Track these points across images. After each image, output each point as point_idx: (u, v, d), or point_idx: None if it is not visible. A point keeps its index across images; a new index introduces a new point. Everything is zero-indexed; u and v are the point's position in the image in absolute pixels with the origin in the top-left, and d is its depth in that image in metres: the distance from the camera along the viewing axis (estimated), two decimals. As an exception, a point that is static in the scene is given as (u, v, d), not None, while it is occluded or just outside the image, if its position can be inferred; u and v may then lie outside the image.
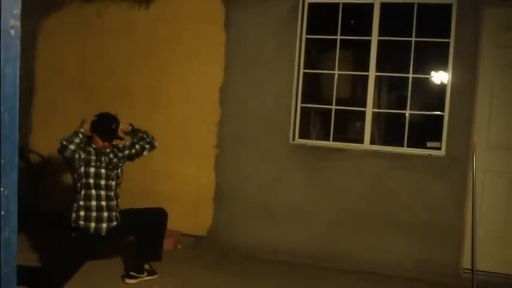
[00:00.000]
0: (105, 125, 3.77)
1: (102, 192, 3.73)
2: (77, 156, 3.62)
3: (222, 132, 5.01)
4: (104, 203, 3.73)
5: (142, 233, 3.96)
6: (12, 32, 1.06)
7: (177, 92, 5.15)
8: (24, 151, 5.40)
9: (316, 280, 4.36)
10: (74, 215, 3.69)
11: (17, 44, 1.08)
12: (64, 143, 3.58)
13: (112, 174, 3.83)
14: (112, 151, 3.90)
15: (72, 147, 3.58)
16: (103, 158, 3.78)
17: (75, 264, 3.61)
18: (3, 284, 1.11)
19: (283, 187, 4.85)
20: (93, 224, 3.67)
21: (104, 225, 3.70)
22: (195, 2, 5.08)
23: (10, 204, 1.09)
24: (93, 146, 3.78)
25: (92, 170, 3.72)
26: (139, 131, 4.03)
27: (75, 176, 3.73)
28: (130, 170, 4.82)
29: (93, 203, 3.70)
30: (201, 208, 5.06)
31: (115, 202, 3.82)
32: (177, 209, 5.06)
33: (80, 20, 5.40)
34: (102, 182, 3.75)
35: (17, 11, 1.06)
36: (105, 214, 3.72)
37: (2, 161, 1.08)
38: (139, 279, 3.96)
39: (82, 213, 3.68)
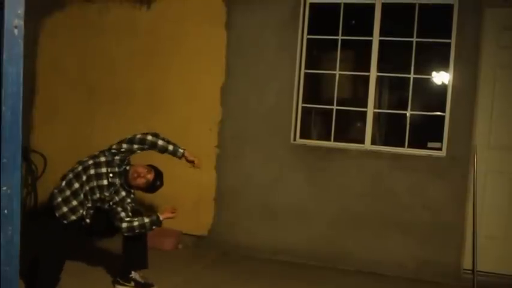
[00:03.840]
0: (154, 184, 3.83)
1: (87, 188, 3.62)
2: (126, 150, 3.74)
3: (223, 132, 5.02)
4: (82, 195, 3.61)
5: (124, 240, 3.84)
6: (15, 31, 1.06)
7: (178, 92, 5.15)
8: (25, 151, 5.40)
9: (316, 280, 4.36)
10: (59, 186, 3.69)
11: (21, 43, 1.08)
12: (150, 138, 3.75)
13: (105, 193, 3.66)
14: (130, 197, 3.78)
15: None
16: (116, 182, 3.69)
17: (56, 251, 3.56)
18: (5, 283, 1.11)
19: (283, 187, 4.85)
20: (60, 200, 3.60)
21: (65, 209, 3.57)
22: (196, 2, 5.08)
23: (13, 204, 1.09)
24: (128, 168, 3.75)
25: (103, 170, 3.67)
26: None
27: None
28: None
29: (76, 185, 3.61)
30: (202, 208, 5.06)
31: (90, 205, 3.64)
32: (178, 208, 5.06)
33: (82, 20, 5.41)
34: (94, 184, 3.65)
35: (21, 10, 1.07)
36: (74, 203, 3.59)
37: (5, 161, 1.08)
38: (126, 287, 3.87)
39: (63, 183, 3.63)
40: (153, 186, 3.82)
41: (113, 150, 3.75)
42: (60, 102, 5.51)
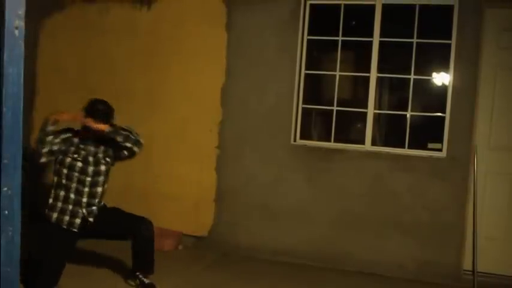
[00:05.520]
0: (95, 106, 3.80)
1: (73, 185, 3.66)
2: (54, 154, 3.67)
3: (223, 133, 5.02)
4: (72, 195, 3.66)
5: (132, 242, 3.85)
6: (16, 32, 1.06)
7: (178, 93, 5.15)
8: (25, 152, 5.39)
9: (316, 281, 4.35)
10: (47, 204, 3.74)
11: (21, 44, 1.08)
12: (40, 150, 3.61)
13: (89, 169, 3.71)
14: (100, 147, 3.79)
15: (45, 149, 3.61)
16: (81, 151, 3.73)
17: (53, 258, 3.55)
18: (6, 284, 1.11)
19: (284, 188, 4.85)
20: (66, 218, 3.63)
21: (67, 218, 3.63)
22: (196, 3, 5.08)
23: (13, 204, 1.10)
24: (80, 136, 3.76)
25: (68, 160, 3.69)
26: (122, 129, 3.79)
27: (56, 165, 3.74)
28: (131, 170, 4.83)
29: (62, 193, 3.67)
30: (202, 209, 5.06)
31: (85, 199, 3.69)
32: (178, 209, 5.07)
33: (82, 21, 5.41)
34: (75, 175, 3.68)
35: (21, 11, 1.07)
36: (70, 207, 3.65)
37: (6, 161, 1.08)
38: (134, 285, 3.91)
39: (51, 200, 3.70)
40: (95, 111, 3.77)
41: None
42: (60, 102, 5.50)
